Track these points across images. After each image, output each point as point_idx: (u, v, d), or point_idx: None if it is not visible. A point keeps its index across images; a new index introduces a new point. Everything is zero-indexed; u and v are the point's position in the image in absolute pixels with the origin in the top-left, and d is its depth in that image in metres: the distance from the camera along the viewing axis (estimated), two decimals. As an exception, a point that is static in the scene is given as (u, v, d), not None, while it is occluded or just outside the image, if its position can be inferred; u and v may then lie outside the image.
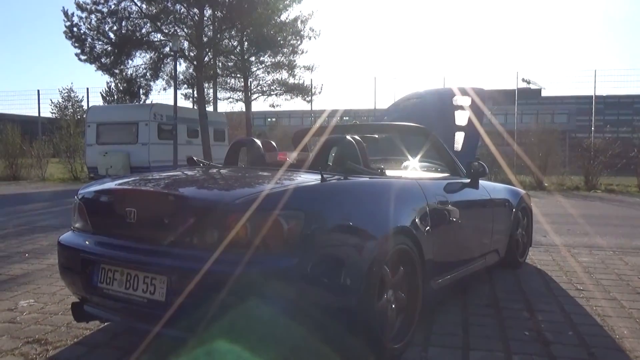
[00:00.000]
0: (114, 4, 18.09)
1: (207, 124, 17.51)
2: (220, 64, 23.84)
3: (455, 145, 4.28)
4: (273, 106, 26.24)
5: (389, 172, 3.16)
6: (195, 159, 3.47)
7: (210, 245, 2.10)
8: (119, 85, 28.45)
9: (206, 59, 19.96)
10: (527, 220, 4.71)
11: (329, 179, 2.49)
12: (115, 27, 18.54)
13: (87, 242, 2.53)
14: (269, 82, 25.05)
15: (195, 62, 19.21)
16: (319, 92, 24.46)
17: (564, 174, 16.61)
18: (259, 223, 2.06)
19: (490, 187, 4.04)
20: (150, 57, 20.58)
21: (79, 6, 18.03)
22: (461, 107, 4.67)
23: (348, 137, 3.02)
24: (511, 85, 21.81)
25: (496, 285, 3.88)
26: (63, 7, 18.55)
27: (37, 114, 21.21)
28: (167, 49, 19.54)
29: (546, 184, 15.64)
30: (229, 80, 26.02)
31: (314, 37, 23.16)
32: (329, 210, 2.30)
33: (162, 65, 21.17)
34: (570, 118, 43.54)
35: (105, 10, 18.14)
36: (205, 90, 22.71)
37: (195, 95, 21.82)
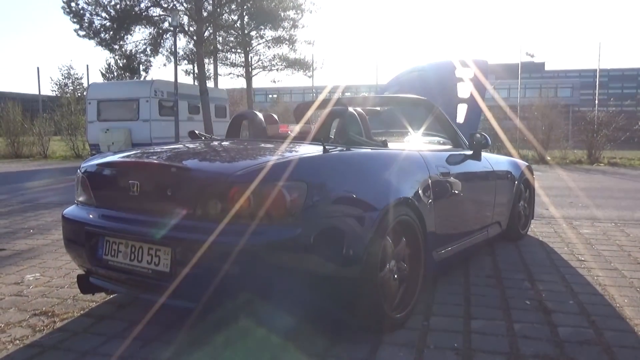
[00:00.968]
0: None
1: (208, 100, 17.42)
2: (220, 39, 23.64)
3: (457, 118, 4.26)
4: (274, 81, 26.07)
5: (391, 145, 3.15)
6: (197, 132, 3.46)
7: (213, 216, 2.11)
8: (119, 62, 28.27)
9: (206, 33, 19.77)
10: (529, 192, 4.71)
11: (331, 151, 2.48)
12: (114, 2, 18.33)
13: (91, 215, 2.55)
14: (270, 57, 24.87)
15: (195, 37, 19.03)
16: (321, 67, 24.31)
17: (566, 148, 16.56)
18: (262, 194, 2.06)
19: (492, 159, 4.03)
20: (150, 33, 20.42)
21: (77, -20, 17.81)
22: (463, 80, 4.63)
23: (350, 109, 3.01)
24: (514, 59, 21.49)
25: (498, 256, 3.90)
26: (60, -19, 18.29)
27: (37, 92, 21.11)
28: (167, 23, 19.37)
29: (548, 158, 15.60)
30: (229, 56, 25.84)
31: (315, 11, 22.90)
32: (331, 181, 2.30)
33: (162, 41, 21.01)
34: (574, 92, 43.21)
35: (103, -16, 17.92)
36: (206, 66, 22.53)
37: (196, 71, 21.64)
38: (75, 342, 2.36)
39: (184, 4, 18.94)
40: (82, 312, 2.74)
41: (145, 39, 20.84)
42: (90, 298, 2.91)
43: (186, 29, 19.99)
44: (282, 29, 23.11)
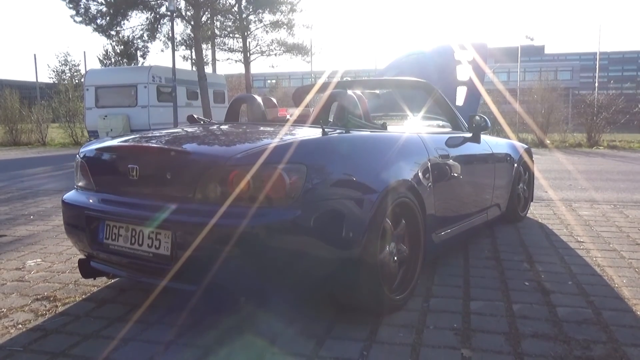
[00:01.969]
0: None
1: (206, 86, 17.35)
2: (218, 24, 23.46)
3: (456, 100, 4.24)
4: (272, 67, 25.95)
5: (390, 127, 3.14)
6: (195, 116, 3.45)
7: (213, 199, 2.12)
8: (116, 48, 28.07)
9: (204, 18, 19.63)
10: (528, 175, 4.71)
11: (330, 133, 2.48)
12: (109, -13, 18.15)
13: (90, 200, 2.55)
14: (268, 42, 24.75)
15: (192, 22, 18.89)
16: (319, 52, 24.24)
17: (566, 131, 16.54)
18: (261, 177, 2.06)
19: (492, 142, 4.02)
20: (147, 18, 20.26)
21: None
22: (462, 62, 4.61)
23: (349, 92, 3.00)
24: (514, 42, 21.41)
25: (497, 238, 3.92)
26: (55, -34, 18.10)
27: (34, 79, 21.01)
28: (164, 8, 19.17)
29: (548, 142, 15.59)
30: (227, 41, 25.67)
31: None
32: (330, 163, 2.30)
33: (159, 26, 20.85)
34: (574, 75, 43.05)
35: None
36: (204, 51, 22.39)
37: (194, 56, 21.52)
38: (78, 325, 2.38)
39: (181, -12, 18.78)
40: (83, 296, 2.76)
41: (142, 25, 20.72)
42: (91, 282, 2.93)
43: (183, 13, 19.83)
44: (280, 13, 22.93)
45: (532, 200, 4.91)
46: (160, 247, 2.20)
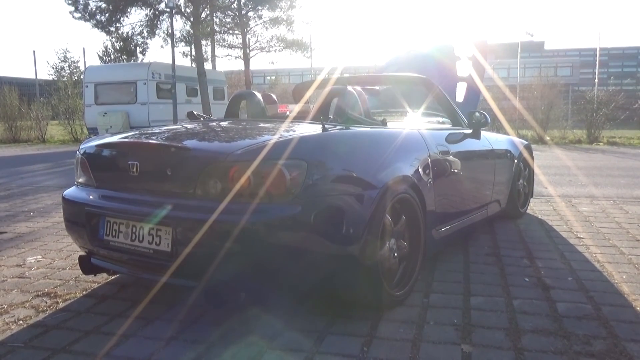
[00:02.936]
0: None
1: (206, 82, 17.34)
2: (217, 20, 23.40)
3: (457, 96, 4.24)
4: (272, 63, 25.95)
5: (390, 123, 3.14)
6: (195, 113, 3.45)
7: (213, 195, 2.12)
8: (115, 44, 28.04)
9: (203, 14, 19.58)
10: (528, 171, 4.71)
11: (330, 130, 2.48)
12: (108, -17, 18.11)
13: (91, 196, 2.55)
14: (268, 38, 24.70)
15: (192, 19, 18.86)
16: (319, 48, 24.21)
17: (566, 128, 16.53)
18: (262, 173, 2.06)
19: (491, 138, 4.02)
20: (146, 14, 20.23)
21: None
22: (462, 59, 4.61)
23: (349, 88, 2.99)
24: (514, 38, 21.42)
25: (497, 234, 3.92)
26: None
27: (33, 76, 20.97)
28: (163, 5, 19.16)
29: (548, 138, 15.59)
30: (226, 37, 25.62)
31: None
32: (330, 159, 2.30)
33: (159, 22, 20.82)
34: (574, 71, 42.97)
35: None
36: (203, 48, 22.35)
37: (193, 53, 21.49)
38: (79, 321, 2.38)
39: (180, -15, 18.75)
40: (84, 292, 2.76)
41: (141, 21, 20.67)
42: (92, 279, 2.93)
43: (183, 10, 19.79)
44: (279, 9, 22.88)
45: (532, 196, 4.91)
46: (160, 243, 2.20)
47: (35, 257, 3.43)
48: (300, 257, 2.16)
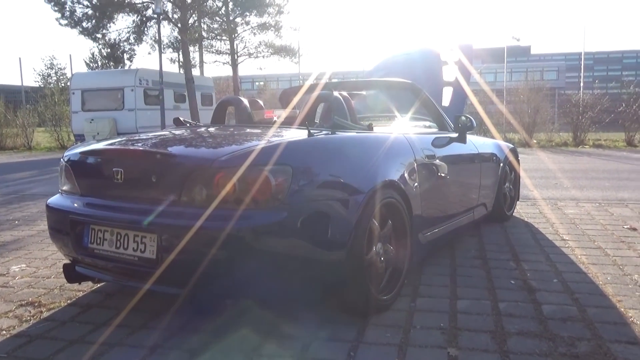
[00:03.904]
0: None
1: (194, 89, 17.30)
2: (205, 26, 23.37)
3: (443, 101, 4.27)
4: (260, 69, 25.98)
5: (377, 128, 3.15)
6: (182, 119, 3.44)
7: (199, 202, 2.11)
8: (102, 51, 27.88)
9: (191, 20, 19.55)
10: (514, 174, 4.75)
11: (316, 135, 2.48)
12: (95, -11, 18.03)
13: (75, 204, 2.53)
14: (256, 44, 24.75)
15: (179, 25, 18.81)
16: (307, 54, 24.30)
17: (552, 131, 16.72)
18: (247, 179, 2.06)
19: (477, 142, 4.05)
20: (133, 20, 20.17)
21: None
22: (448, 63, 4.64)
23: (335, 93, 3.00)
24: (501, 43, 21.66)
25: (484, 237, 3.94)
26: (40, -31, 17.97)
27: (19, 83, 20.79)
28: (150, 11, 19.11)
29: (534, 141, 15.74)
30: (214, 43, 25.59)
31: (301, -4, 22.72)
32: (316, 165, 2.30)
33: (146, 29, 20.77)
34: (560, 75, 43.45)
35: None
36: (191, 54, 22.31)
37: (181, 59, 21.42)
38: (63, 331, 2.35)
39: (167, -9, 18.70)
40: (69, 301, 2.73)
41: (128, 27, 20.62)
42: (77, 287, 2.90)
43: (170, 16, 19.74)
44: (267, 15, 22.91)
45: (518, 200, 4.95)
46: (145, 250, 2.19)
47: (19, 266, 3.39)
48: (287, 263, 2.16)
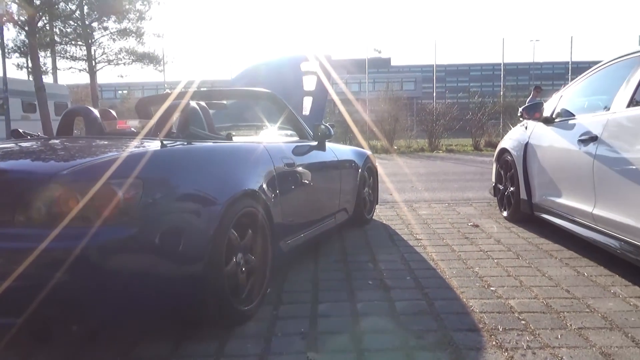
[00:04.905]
0: None
1: (45, 97, 15.89)
2: (57, 30, 21.64)
3: (303, 110, 4.37)
4: (121, 76, 24.69)
5: (236, 138, 3.14)
6: (21, 131, 3.14)
7: (37, 221, 1.93)
8: None
9: (40, 23, 17.97)
10: (373, 179, 5.01)
11: (169, 145, 2.40)
12: None
13: None
14: (116, 50, 23.42)
15: (27, 27, 17.20)
16: (172, 62, 23.52)
17: (411, 138, 18.02)
18: (92, 194, 1.93)
19: (336, 149, 4.21)
20: (-30, 21, 17.99)
21: None
22: (308, 73, 4.77)
23: (192, 102, 2.94)
24: (363, 55, 22.85)
25: (346, 241, 4.10)
26: None
27: None
28: (-9, 11, 17.20)
29: (395, 147, 16.81)
30: (69, 49, 23.77)
31: (163, 2, 22.01)
32: (170, 176, 2.22)
33: (-14, 31, 18.63)
34: (417, 85, 46.79)
35: None
36: (42, 59, 20.54)
37: (30, 65, 19.59)
38: None
39: (11, -10, 17.04)
40: None
41: (-36, 28, 18.35)
42: None
43: (16, 17, 17.98)
44: (127, 21, 21.86)
45: (377, 203, 5.23)
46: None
47: None
48: (140, 281, 2.05)
